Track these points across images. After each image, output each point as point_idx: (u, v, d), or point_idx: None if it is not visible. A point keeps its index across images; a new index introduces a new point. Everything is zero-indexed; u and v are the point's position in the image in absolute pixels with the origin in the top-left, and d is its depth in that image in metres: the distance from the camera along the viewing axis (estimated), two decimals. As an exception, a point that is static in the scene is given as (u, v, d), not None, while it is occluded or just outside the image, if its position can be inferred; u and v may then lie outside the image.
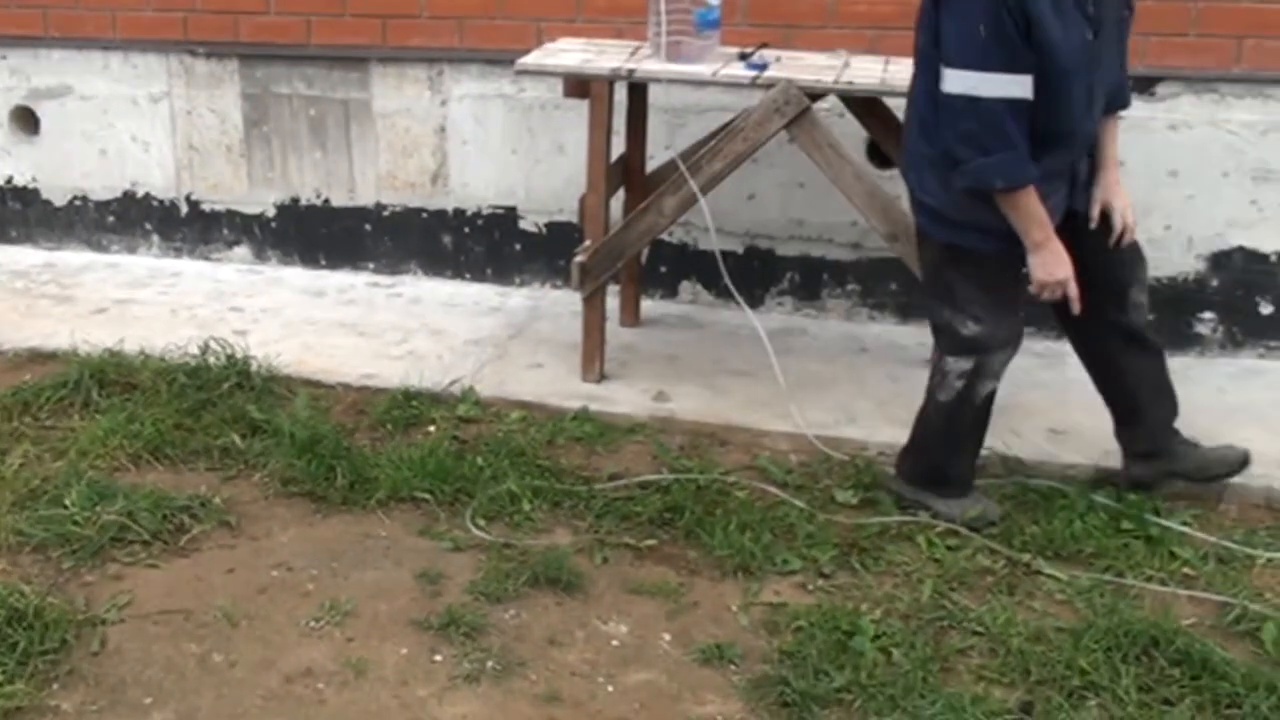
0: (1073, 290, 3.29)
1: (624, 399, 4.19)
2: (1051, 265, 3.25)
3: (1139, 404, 3.60)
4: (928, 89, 3.23)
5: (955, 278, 3.36)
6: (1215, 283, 4.52)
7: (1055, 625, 3.13)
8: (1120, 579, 3.33)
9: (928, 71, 3.22)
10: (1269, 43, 4.28)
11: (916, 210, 3.41)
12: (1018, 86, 3.03)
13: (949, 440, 3.53)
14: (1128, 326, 3.50)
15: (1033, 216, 3.20)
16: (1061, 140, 3.21)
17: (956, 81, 3.07)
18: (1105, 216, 3.40)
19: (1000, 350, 3.39)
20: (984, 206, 3.22)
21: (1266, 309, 4.15)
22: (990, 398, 3.47)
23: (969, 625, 3.14)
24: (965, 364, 3.39)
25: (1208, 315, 4.55)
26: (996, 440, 3.84)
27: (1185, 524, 3.54)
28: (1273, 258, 4.46)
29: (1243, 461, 3.54)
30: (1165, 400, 3.60)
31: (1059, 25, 3.04)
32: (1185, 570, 3.38)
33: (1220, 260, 4.51)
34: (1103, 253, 3.41)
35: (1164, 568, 3.37)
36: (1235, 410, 3.89)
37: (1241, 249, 4.48)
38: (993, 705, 2.85)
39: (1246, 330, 4.54)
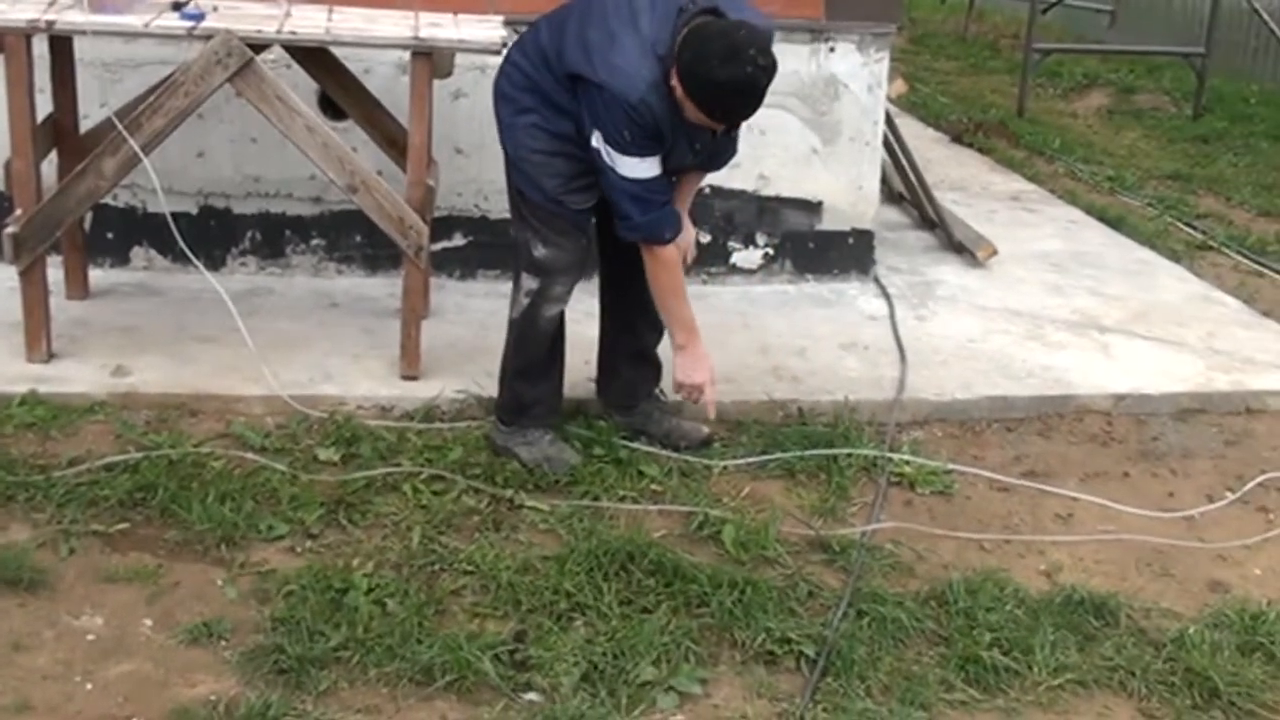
0: (710, 395, 3.63)
1: (78, 377, 3.90)
2: (691, 369, 3.60)
3: (620, 364, 3.87)
4: (533, 69, 3.47)
5: (526, 210, 3.58)
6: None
7: (541, 554, 3.27)
8: (597, 502, 3.52)
9: (542, 65, 3.45)
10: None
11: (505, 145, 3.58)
12: (648, 168, 3.38)
13: (519, 363, 3.69)
14: (649, 301, 3.77)
15: (679, 316, 3.58)
16: None
17: (606, 155, 3.35)
18: None
19: (563, 275, 3.58)
20: (542, 169, 3.47)
21: (704, 238, 4.47)
22: (556, 326, 3.66)
23: (460, 566, 3.21)
24: (533, 283, 3.58)
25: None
26: (470, 383, 3.94)
27: (649, 443, 3.80)
28: (706, 190, 4.82)
29: (705, 441, 3.85)
30: (649, 368, 3.90)
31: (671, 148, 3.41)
32: (653, 487, 3.63)
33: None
34: None
35: (634, 487, 3.61)
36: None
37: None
38: (488, 639, 2.94)
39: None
